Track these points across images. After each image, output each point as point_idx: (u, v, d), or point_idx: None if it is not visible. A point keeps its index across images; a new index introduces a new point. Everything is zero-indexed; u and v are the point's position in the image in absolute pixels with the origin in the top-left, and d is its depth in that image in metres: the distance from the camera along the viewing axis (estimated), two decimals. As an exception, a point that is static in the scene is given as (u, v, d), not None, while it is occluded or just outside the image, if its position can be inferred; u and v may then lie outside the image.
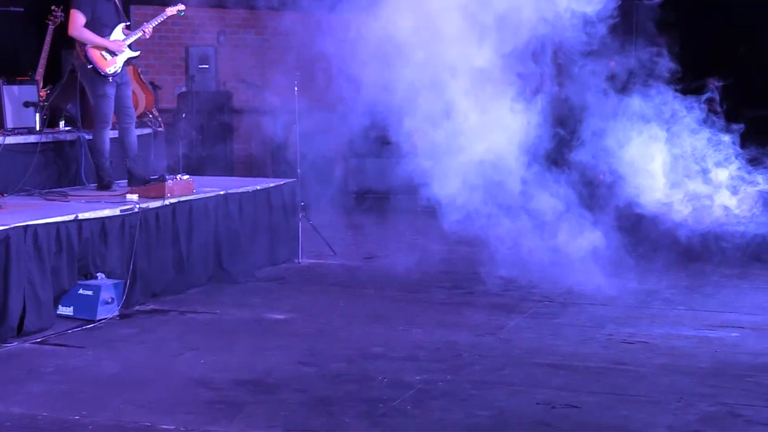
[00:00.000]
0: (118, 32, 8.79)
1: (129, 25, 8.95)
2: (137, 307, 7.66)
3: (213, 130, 13.56)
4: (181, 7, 9.13)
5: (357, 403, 5.52)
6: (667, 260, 8.99)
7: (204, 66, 13.82)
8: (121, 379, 5.97)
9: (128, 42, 8.83)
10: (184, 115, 13.08)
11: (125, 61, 8.94)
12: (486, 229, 8.93)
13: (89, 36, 8.65)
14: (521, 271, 8.65)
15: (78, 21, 8.63)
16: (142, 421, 5.22)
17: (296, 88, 9.69)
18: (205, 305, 7.85)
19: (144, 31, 8.92)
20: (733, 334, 7.01)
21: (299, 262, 9.61)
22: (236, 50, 13.87)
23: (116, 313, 7.41)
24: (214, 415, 5.34)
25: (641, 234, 9.23)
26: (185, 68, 13.81)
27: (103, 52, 8.73)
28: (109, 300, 7.35)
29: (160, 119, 11.28)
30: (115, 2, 8.88)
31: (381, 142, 8.95)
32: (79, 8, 8.65)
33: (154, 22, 9.04)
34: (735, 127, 8.27)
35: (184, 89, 13.76)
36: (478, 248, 9.44)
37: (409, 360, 6.35)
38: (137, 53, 8.99)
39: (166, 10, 9.11)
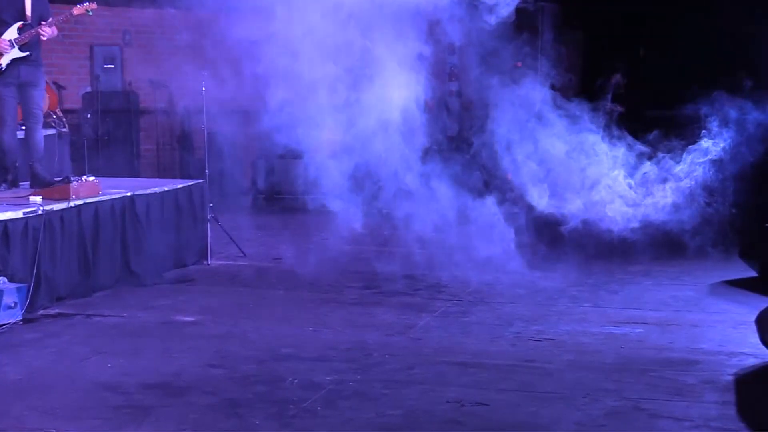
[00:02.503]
0: (12, 31, 8.52)
1: (29, 24, 8.58)
2: (42, 312, 7.51)
3: (119, 130, 13.39)
4: (92, 6, 8.73)
5: (267, 404, 5.50)
6: (573, 258, 9.13)
7: (109, 66, 13.64)
8: (24, 385, 5.84)
9: (20, 42, 8.49)
10: (89, 115, 12.90)
11: (27, 62, 8.64)
12: (395, 228, 8.99)
13: None
14: (430, 269, 8.72)
15: None
16: (47, 428, 5.12)
17: (204, 89, 9.61)
18: (112, 308, 7.73)
19: (40, 32, 8.57)
20: (638, 330, 7.15)
21: (208, 264, 9.53)
22: (143, 50, 13.70)
23: (20, 317, 7.25)
24: (121, 420, 5.27)
25: (546, 233, 9.37)
26: (90, 68, 13.61)
27: None
28: (12, 304, 7.19)
29: (64, 120, 11.09)
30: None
31: (286, 142, 8.94)
32: None
33: (55, 22, 8.75)
34: (635, 126, 8.46)
35: (89, 89, 13.55)
36: (388, 248, 9.50)
37: (319, 360, 6.35)
38: (26, 54, 8.58)
39: (73, 9, 8.74)
